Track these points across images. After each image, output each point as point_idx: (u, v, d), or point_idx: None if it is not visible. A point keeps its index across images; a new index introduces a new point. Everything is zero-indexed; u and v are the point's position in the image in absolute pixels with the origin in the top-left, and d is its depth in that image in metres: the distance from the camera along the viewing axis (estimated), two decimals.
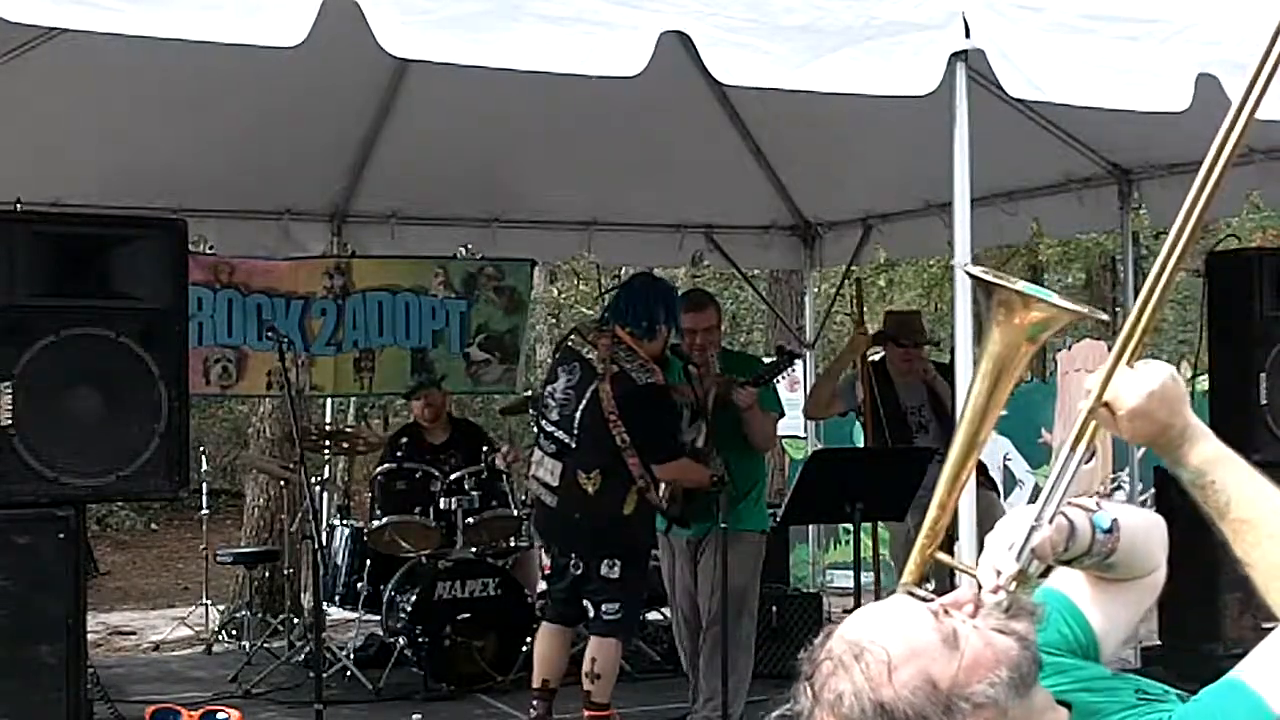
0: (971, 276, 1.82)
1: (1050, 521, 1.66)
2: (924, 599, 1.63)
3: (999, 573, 1.64)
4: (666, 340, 5.79)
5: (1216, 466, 1.65)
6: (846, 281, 9.31)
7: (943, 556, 1.84)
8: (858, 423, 7.27)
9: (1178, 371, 1.67)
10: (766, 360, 6.42)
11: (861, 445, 7.58)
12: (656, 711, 6.51)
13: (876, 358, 6.84)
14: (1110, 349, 1.68)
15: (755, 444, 6.11)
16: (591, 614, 5.67)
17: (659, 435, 5.64)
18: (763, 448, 6.38)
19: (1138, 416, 1.64)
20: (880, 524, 6.51)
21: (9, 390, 4.81)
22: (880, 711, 1.54)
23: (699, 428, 5.91)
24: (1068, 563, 1.75)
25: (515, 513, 7.52)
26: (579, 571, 5.73)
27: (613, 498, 5.58)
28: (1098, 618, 1.84)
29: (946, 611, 1.61)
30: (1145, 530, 1.84)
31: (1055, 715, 1.66)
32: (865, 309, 7.44)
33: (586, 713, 5.67)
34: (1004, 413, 1.84)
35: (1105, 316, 1.79)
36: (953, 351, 4.42)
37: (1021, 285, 1.74)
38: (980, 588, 1.65)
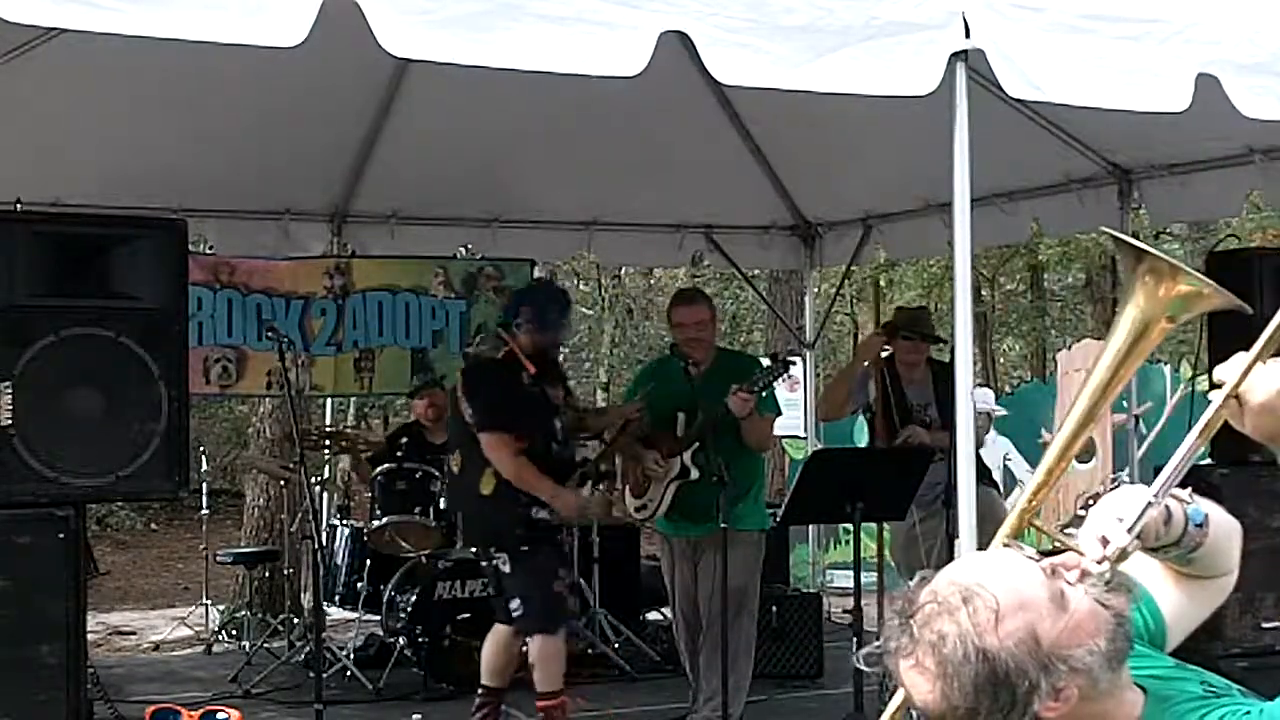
0: (1120, 240, 1.84)
1: (1163, 502, 1.66)
2: (1032, 557, 1.63)
3: (1105, 542, 1.63)
4: (535, 338, 5.78)
5: None
6: (847, 281, 9.31)
7: (1041, 525, 1.84)
8: (861, 419, 7.24)
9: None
10: (765, 362, 6.41)
11: (862, 445, 7.57)
12: (656, 711, 6.51)
13: (886, 354, 6.83)
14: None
15: (752, 446, 6.10)
16: None
17: (481, 404, 5.72)
18: (760, 449, 6.37)
19: (1266, 412, 1.66)
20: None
21: (9, 390, 4.80)
22: (982, 657, 1.54)
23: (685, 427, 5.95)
24: (1153, 550, 1.74)
25: None
26: (485, 566, 5.88)
27: (471, 477, 5.72)
28: (1169, 610, 1.84)
29: (1054, 571, 1.61)
30: (1228, 531, 1.84)
31: (1134, 696, 1.66)
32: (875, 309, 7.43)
33: (537, 703, 5.70)
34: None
35: (1249, 310, 1.79)
36: (953, 351, 4.41)
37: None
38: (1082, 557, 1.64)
